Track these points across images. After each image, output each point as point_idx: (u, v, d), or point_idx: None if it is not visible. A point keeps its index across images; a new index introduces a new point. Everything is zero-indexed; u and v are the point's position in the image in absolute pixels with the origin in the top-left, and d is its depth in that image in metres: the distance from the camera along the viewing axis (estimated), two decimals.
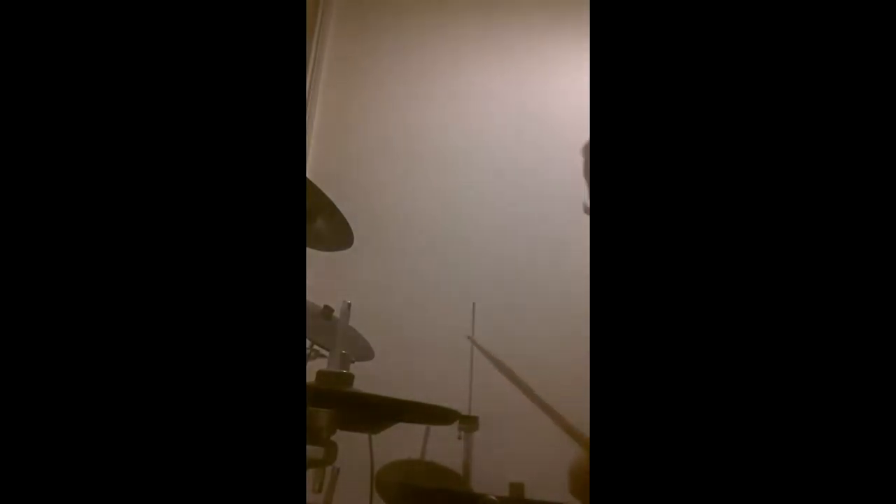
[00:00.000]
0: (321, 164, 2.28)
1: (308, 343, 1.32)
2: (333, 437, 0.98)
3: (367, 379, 1.13)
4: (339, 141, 2.37)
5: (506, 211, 2.25)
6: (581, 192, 1.27)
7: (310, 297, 1.05)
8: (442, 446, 1.34)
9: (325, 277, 1.51)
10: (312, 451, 0.94)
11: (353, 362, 1.14)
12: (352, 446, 1.07)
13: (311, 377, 1.05)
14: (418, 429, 1.40)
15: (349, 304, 1.19)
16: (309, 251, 0.98)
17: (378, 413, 1.10)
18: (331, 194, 1.25)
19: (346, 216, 1.29)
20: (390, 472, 1.29)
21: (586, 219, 1.23)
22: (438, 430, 1.36)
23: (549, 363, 1.99)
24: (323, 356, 1.28)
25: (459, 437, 1.39)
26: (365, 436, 1.23)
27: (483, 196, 2.27)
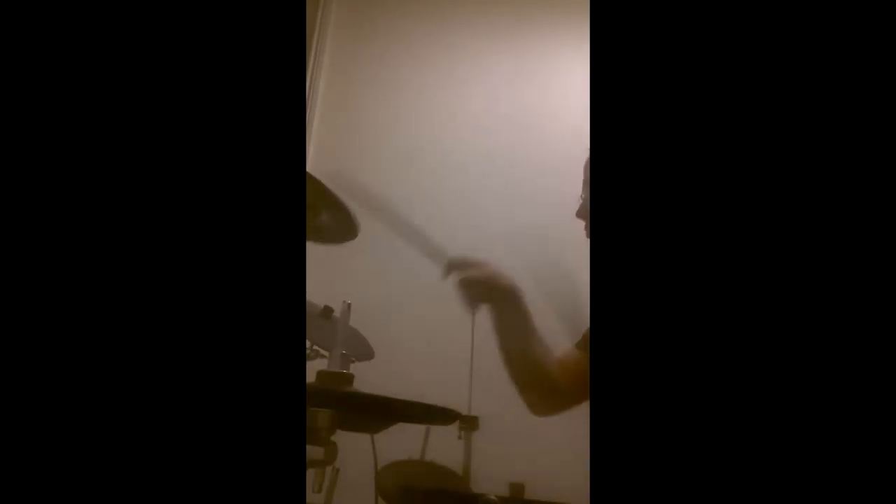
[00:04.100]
0: (321, 163, 2.28)
1: (308, 343, 1.32)
2: (333, 437, 0.98)
3: (367, 379, 1.13)
4: (339, 141, 2.37)
5: (506, 210, 2.25)
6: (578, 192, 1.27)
7: (310, 296, 1.05)
8: (442, 446, 1.34)
9: (325, 276, 1.51)
10: (312, 451, 0.94)
11: (353, 362, 1.14)
12: (352, 446, 1.07)
13: (311, 377, 1.05)
14: (418, 429, 1.40)
15: (349, 304, 1.19)
16: (312, 247, 0.98)
17: (378, 413, 1.10)
18: None
19: (348, 208, 1.28)
20: (390, 473, 1.29)
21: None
22: (438, 430, 1.36)
23: None
24: (323, 356, 1.28)
25: (459, 437, 1.40)
26: (365, 436, 1.23)
27: (483, 196, 2.27)
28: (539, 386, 1.22)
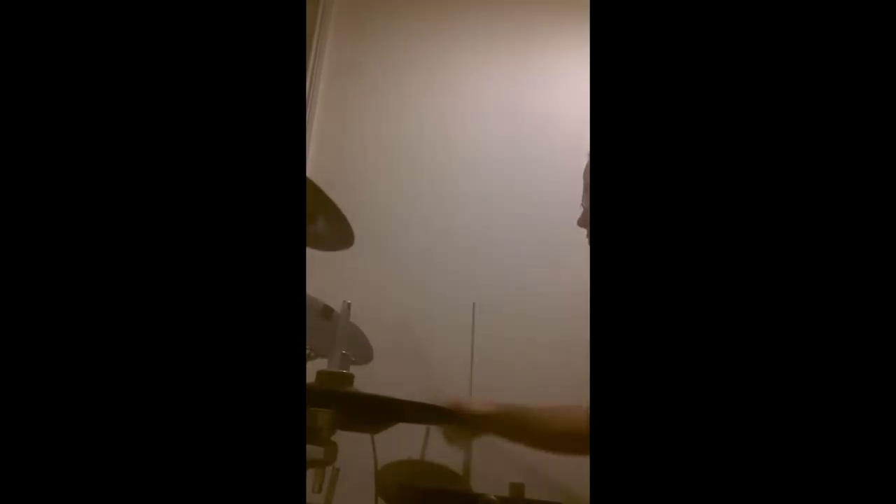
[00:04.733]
0: (321, 164, 2.28)
1: (308, 343, 1.32)
2: (333, 437, 0.98)
3: (367, 379, 1.13)
4: (339, 142, 2.37)
5: (506, 210, 2.25)
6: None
7: (310, 297, 1.05)
8: (442, 446, 1.34)
9: (325, 277, 1.51)
10: (312, 451, 0.94)
11: (353, 362, 1.14)
12: (352, 446, 1.07)
13: (311, 377, 1.05)
14: (418, 429, 1.40)
15: (349, 304, 1.19)
16: (309, 251, 0.98)
17: (378, 413, 1.10)
18: (330, 195, 1.25)
19: (346, 216, 1.29)
20: (390, 473, 1.29)
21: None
22: (438, 431, 1.36)
23: (549, 364, 1.99)
24: (323, 356, 1.28)
25: None
26: (365, 436, 1.23)
27: (483, 196, 2.27)
28: (578, 444, 1.24)
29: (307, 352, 1.32)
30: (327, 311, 1.40)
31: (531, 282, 2.14)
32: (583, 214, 1.25)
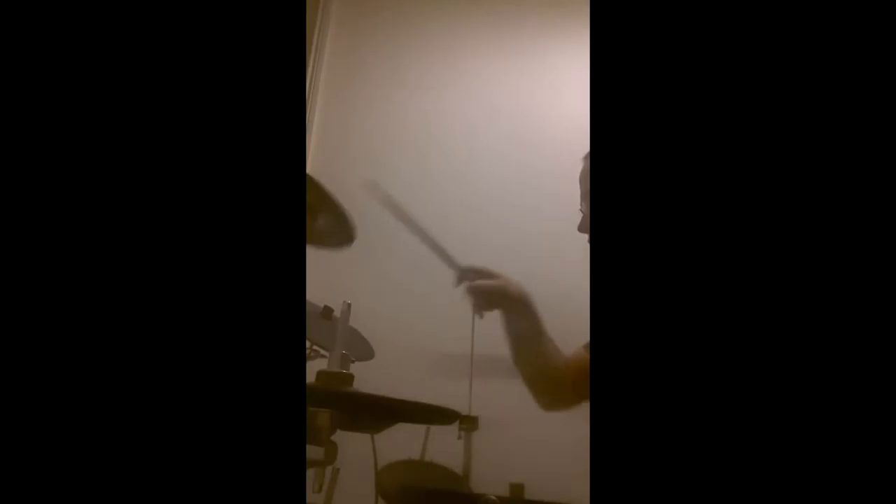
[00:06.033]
0: (321, 163, 2.28)
1: (308, 343, 1.32)
2: (333, 437, 0.98)
3: (367, 379, 1.13)
4: (339, 141, 2.37)
5: (507, 210, 2.25)
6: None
7: (310, 296, 1.05)
8: (442, 446, 1.34)
9: (325, 277, 1.51)
10: (312, 451, 0.94)
11: (353, 362, 1.14)
12: (352, 446, 1.07)
13: (311, 377, 1.05)
14: (418, 429, 1.40)
15: (349, 304, 1.19)
16: (310, 250, 0.98)
17: (378, 413, 1.10)
18: (331, 192, 1.25)
19: (346, 213, 1.29)
20: (390, 473, 1.29)
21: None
22: (438, 430, 1.36)
23: None
24: (323, 356, 1.28)
25: (459, 437, 1.39)
26: (365, 436, 1.23)
27: (484, 195, 2.27)
28: (550, 386, 1.27)
29: (307, 351, 1.32)
30: (327, 311, 1.40)
31: (532, 281, 2.14)
32: (583, 220, 1.24)
